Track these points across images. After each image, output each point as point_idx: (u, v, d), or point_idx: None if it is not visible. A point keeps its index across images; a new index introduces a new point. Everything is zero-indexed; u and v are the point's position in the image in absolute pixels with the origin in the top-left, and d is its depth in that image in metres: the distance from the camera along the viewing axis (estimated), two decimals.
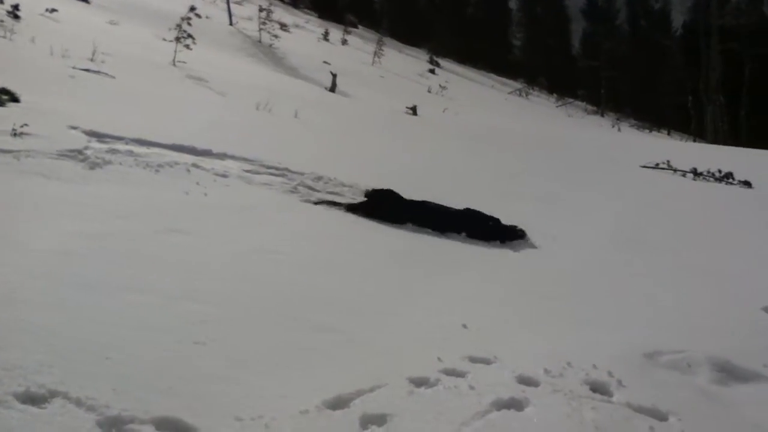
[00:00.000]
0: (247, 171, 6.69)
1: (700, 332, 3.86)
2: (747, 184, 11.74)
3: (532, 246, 6.01)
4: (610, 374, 2.92)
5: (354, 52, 28.79)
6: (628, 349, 3.27)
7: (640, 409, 2.63)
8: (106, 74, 9.50)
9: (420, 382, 2.65)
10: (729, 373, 3.17)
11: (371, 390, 2.51)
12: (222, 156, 7.00)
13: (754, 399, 2.95)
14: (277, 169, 6.98)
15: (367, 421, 2.29)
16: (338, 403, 2.37)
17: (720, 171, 12.07)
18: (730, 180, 11.88)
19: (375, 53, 27.66)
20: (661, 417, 2.60)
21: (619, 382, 2.85)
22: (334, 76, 17.98)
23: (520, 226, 6.29)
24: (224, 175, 6.23)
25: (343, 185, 7.03)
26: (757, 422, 2.70)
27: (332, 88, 17.73)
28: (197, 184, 5.66)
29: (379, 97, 18.82)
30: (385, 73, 25.55)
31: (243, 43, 21.90)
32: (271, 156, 7.28)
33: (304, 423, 2.20)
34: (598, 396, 2.73)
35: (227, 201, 5.40)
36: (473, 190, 8.24)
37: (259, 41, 22.31)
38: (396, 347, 2.99)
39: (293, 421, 2.19)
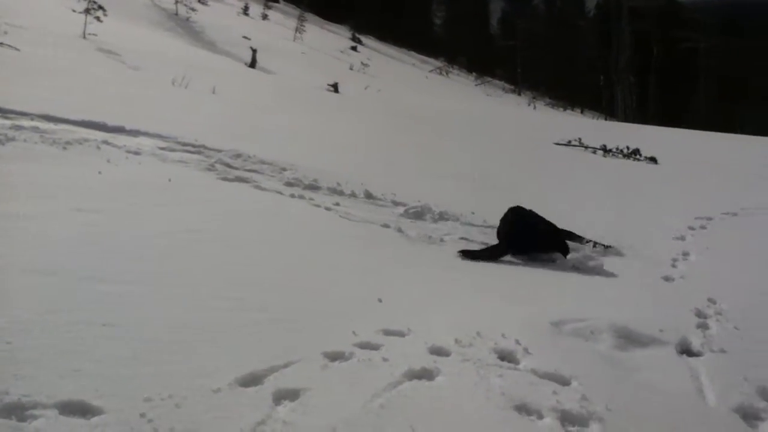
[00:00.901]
0: (162, 148, 6.52)
1: (604, 301, 4.07)
2: (653, 160, 12.36)
3: (456, 220, 6.13)
4: (517, 342, 3.04)
5: (275, 27, 28.29)
6: (535, 319, 3.41)
7: (544, 375, 2.76)
8: (10, 46, 8.99)
9: (335, 357, 2.68)
10: (628, 338, 3.35)
11: (286, 366, 2.52)
12: (135, 133, 6.79)
13: (651, 362, 3.14)
14: (193, 146, 6.83)
15: (280, 396, 2.30)
16: (252, 380, 2.37)
17: (628, 148, 12.66)
18: (638, 156, 12.48)
19: (296, 29, 27.31)
20: (564, 381, 2.73)
21: (526, 350, 2.98)
22: (254, 51, 17.66)
23: (446, 201, 6.42)
24: (137, 153, 6.05)
25: (263, 163, 6.96)
26: (652, 383, 2.88)
27: (252, 64, 17.41)
28: (108, 161, 5.47)
29: (300, 73, 18.64)
30: (306, 50, 25.27)
31: (159, 17, 21.16)
32: (187, 133, 7.11)
33: (216, 401, 2.19)
34: (505, 363, 2.84)
35: (140, 179, 5.25)
36: (394, 167, 8.32)
37: (176, 14, 21.60)
38: (313, 323, 3.01)
39: (205, 400, 2.18)
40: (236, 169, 6.48)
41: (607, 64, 38.27)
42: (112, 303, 2.79)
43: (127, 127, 6.74)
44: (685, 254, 5.74)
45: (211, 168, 6.25)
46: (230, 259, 3.69)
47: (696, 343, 3.44)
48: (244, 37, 21.11)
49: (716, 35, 45.19)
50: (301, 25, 27.59)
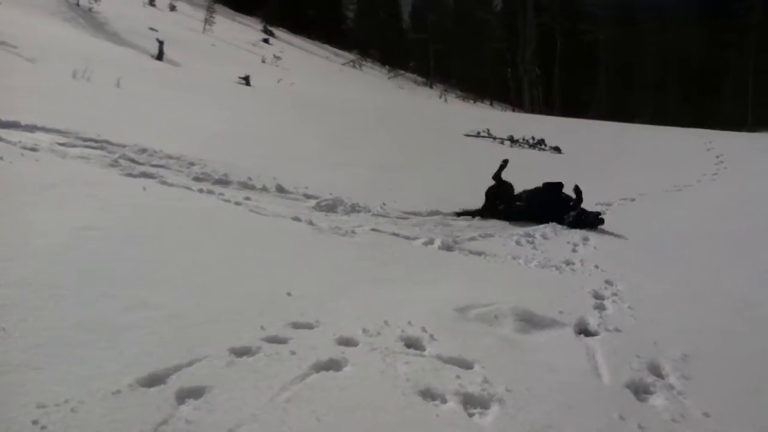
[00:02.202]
0: (61, 144, 6.23)
1: (508, 285, 4.22)
2: (557, 149, 12.85)
3: (368, 211, 6.17)
4: (423, 330, 3.11)
5: (183, 18, 27.46)
6: (441, 305, 3.49)
7: (448, 360, 2.84)
8: None
9: (241, 352, 2.65)
10: (530, 321, 3.49)
11: (190, 364, 2.48)
12: (31, 128, 6.45)
13: (550, 343, 3.28)
14: (95, 141, 6.57)
15: (184, 395, 2.26)
16: (153, 380, 2.32)
17: (534, 138, 13.11)
18: (543, 146, 12.94)
19: (206, 20, 26.62)
20: (467, 365, 2.82)
21: (432, 337, 3.05)
22: (161, 43, 17.09)
23: (358, 193, 6.46)
24: (34, 149, 5.75)
25: (170, 158, 6.78)
26: (551, 363, 3.01)
27: (159, 56, 16.85)
28: (0, 158, 5.18)
29: (210, 66, 18.19)
30: (216, 42, 24.68)
31: (58, 6, 20.10)
32: (89, 127, 6.82)
33: (115, 403, 2.13)
34: (411, 351, 2.90)
35: (36, 176, 4.99)
36: (307, 160, 8.29)
37: (77, 4, 20.58)
38: (219, 319, 2.96)
39: (103, 403, 2.12)
40: (141, 164, 6.28)
41: (514, 57, 39.45)
42: (1, 307, 2.65)
43: (23, 122, 6.39)
44: (585, 239, 6.02)
45: (114, 164, 6.02)
46: (131, 257, 3.57)
47: (593, 323, 3.62)
48: (151, 29, 20.38)
49: (613, 27, 47.64)
50: (211, 17, 26.90)
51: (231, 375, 2.46)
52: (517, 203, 6.69)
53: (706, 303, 4.33)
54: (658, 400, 2.75)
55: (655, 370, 3.05)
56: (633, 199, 8.48)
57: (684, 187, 10.10)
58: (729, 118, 38.88)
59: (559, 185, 6.83)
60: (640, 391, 2.85)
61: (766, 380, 3.08)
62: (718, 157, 14.11)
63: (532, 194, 6.82)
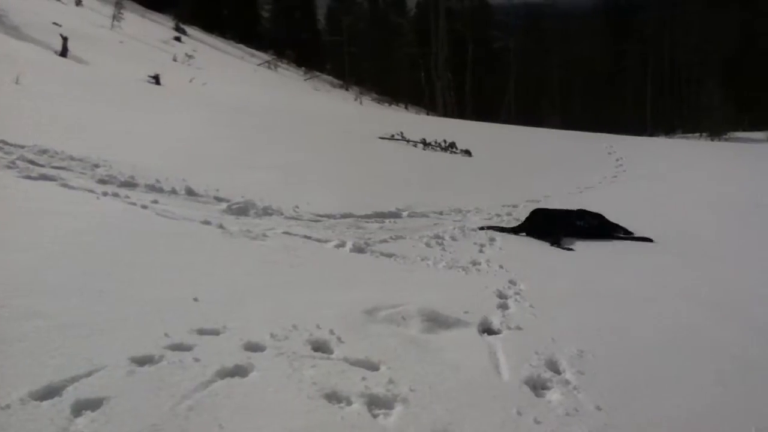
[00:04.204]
0: None
1: (416, 286, 4.30)
2: (468, 152, 13.17)
3: (280, 214, 6.13)
4: (331, 332, 3.13)
5: (90, 13, 26.29)
6: (350, 308, 3.53)
7: (355, 362, 2.87)
8: None
9: (143, 361, 2.59)
10: (435, 321, 3.58)
11: (88, 374, 2.40)
12: None
13: (455, 342, 3.38)
14: None
15: (80, 407, 2.19)
16: (48, 393, 2.23)
17: (445, 141, 13.38)
18: (454, 149, 13.24)
19: (114, 16, 25.56)
20: (373, 367, 2.87)
21: (339, 339, 3.08)
22: (65, 39, 16.31)
23: (272, 196, 6.41)
24: None
25: (73, 159, 6.52)
26: (455, 362, 3.09)
27: (63, 53, 16.08)
28: None
29: (118, 63, 17.49)
30: (125, 39, 23.77)
31: None
32: None
33: (4, 418, 2.04)
34: (319, 354, 2.92)
35: None
36: (219, 162, 8.14)
37: None
38: (121, 327, 2.88)
39: None
40: (41, 166, 6.02)
41: (427, 61, 40.13)
42: None
43: None
44: (492, 239, 6.22)
45: (11, 165, 5.74)
46: (25, 264, 3.41)
47: (496, 322, 3.76)
48: (54, 24, 19.42)
49: (521, 35, 49.48)
50: (119, 13, 25.85)
51: (131, 385, 2.40)
52: (577, 222, 6.89)
53: (604, 301, 4.55)
54: (554, 395, 2.88)
55: (553, 366, 3.19)
56: (538, 201, 8.81)
57: (585, 189, 10.59)
58: (630, 123, 40.98)
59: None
60: (538, 386, 2.97)
61: (657, 373, 3.27)
62: (618, 160, 14.86)
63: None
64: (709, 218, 8.33)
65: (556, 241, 6.34)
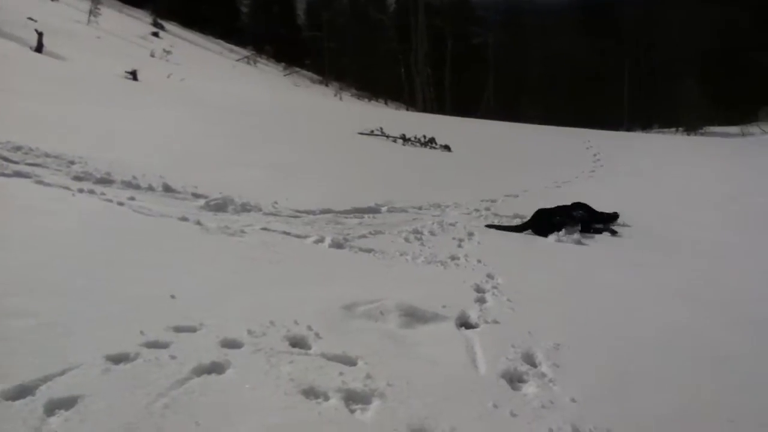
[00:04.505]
0: None
1: (394, 281, 4.32)
2: (447, 148, 13.21)
3: (259, 210, 6.10)
4: (309, 328, 3.13)
5: (65, 8, 25.90)
6: (328, 303, 3.53)
7: (333, 358, 2.88)
8: None
9: (119, 359, 2.57)
10: (413, 316, 3.59)
11: (62, 373, 2.38)
12: None
13: (433, 337, 3.40)
14: None
15: (53, 406, 2.17)
16: (20, 393, 2.20)
17: (425, 137, 13.41)
18: (434, 145, 13.27)
19: (90, 11, 25.18)
20: (351, 362, 2.87)
21: (317, 335, 3.08)
22: (40, 34, 16.07)
23: (251, 192, 6.37)
24: None
25: (48, 156, 6.44)
26: (433, 357, 3.11)
27: (39, 48, 15.85)
28: None
29: (95, 59, 17.27)
30: (102, 34, 23.46)
31: None
32: None
33: None
34: (296, 350, 2.92)
35: None
36: (197, 158, 8.08)
37: None
38: (96, 326, 2.85)
39: None
40: (15, 163, 5.93)
41: (407, 57, 40.13)
42: None
43: None
44: (470, 234, 6.25)
45: None
46: (4, 263, 3.37)
47: (474, 316, 3.78)
48: (29, 19, 19.11)
49: (501, 31, 49.70)
50: (96, 8, 25.48)
51: (106, 383, 2.38)
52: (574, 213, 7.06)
53: (581, 295, 4.61)
54: (530, 388, 2.91)
55: (529, 360, 3.22)
56: (516, 196, 8.87)
57: (563, 184, 10.69)
58: (608, 118, 41.33)
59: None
60: (514, 380, 3.00)
61: (632, 366, 3.32)
62: (595, 155, 15.01)
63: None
64: (686, 212, 8.45)
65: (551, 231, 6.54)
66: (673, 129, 40.20)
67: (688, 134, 36.42)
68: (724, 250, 6.41)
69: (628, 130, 38.86)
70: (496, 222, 7.01)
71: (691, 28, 41.27)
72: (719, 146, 21.17)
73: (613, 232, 6.84)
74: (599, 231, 6.83)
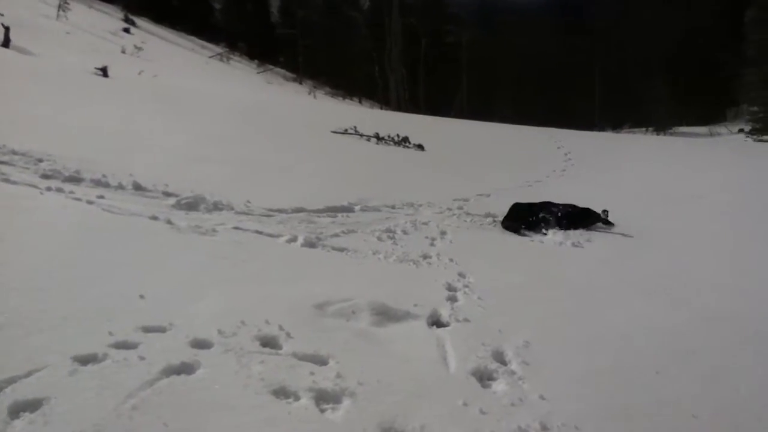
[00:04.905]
0: None
1: (366, 280, 4.33)
2: (420, 147, 13.25)
3: (231, 209, 6.06)
4: (280, 328, 3.13)
5: (33, 2, 25.39)
6: (300, 302, 3.53)
7: (304, 357, 2.88)
8: None
9: (86, 360, 2.55)
10: (386, 315, 3.61)
11: (27, 375, 2.35)
12: None
13: (404, 335, 3.42)
14: None
15: (18, 409, 2.14)
16: None
17: (398, 136, 13.42)
18: (407, 144, 13.29)
19: (60, 5, 24.73)
20: (322, 361, 2.88)
21: (288, 335, 3.08)
22: (7, 29, 15.77)
23: (223, 191, 6.33)
24: None
25: (15, 153, 6.34)
26: (404, 355, 3.13)
27: (5, 43, 15.56)
28: None
29: (64, 55, 17.00)
30: (71, 29, 23.07)
31: None
32: None
33: None
34: (267, 350, 2.91)
35: None
36: (168, 156, 8.00)
37: None
38: (63, 326, 2.82)
39: None
40: None
41: (381, 55, 40.14)
42: None
43: None
44: (443, 233, 6.28)
45: None
46: None
47: (445, 314, 3.81)
48: None
49: (474, 30, 50.08)
50: (65, 2, 25.03)
51: (73, 384, 2.36)
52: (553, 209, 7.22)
53: (551, 292, 4.65)
54: (500, 386, 2.95)
55: (499, 357, 3.26)
56: (488, 195, 8.93)
57: (534, 183, 10.79)
58: (580, 118, 41.86)
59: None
60: (484, 377, 3.03)
61: (600, 363, 3.37)
62: (566, 154, 15.17)
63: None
64: (655, 209, 8.58)
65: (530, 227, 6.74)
66: (644, 129, 40.83)
67: (658, 134, 37.01)
68: (693, 247, 6.52)
69: (600, 129, 39.38)
70: (469, 221, 7.06)
71: (658, 30, 41.99)
72: (687, 146, 21.55)
73: (607, 223, 7.09)
74: (587, 226, 7.01)
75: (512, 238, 6.54)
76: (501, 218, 7.09)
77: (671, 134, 36.39)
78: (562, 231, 6.72)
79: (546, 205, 7.27)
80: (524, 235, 6.73)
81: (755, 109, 31.05)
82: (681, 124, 38.96)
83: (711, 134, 34.01)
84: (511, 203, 7.30)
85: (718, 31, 38.42)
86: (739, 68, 31.17)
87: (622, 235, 6.84)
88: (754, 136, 29.60)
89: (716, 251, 6.28)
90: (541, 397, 2.86)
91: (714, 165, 14.30)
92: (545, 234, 6.68)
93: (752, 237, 6.93)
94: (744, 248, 6.32)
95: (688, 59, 41.79)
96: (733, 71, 32.16)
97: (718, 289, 4.99)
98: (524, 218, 6.98)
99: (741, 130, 32.25)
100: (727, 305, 4.55)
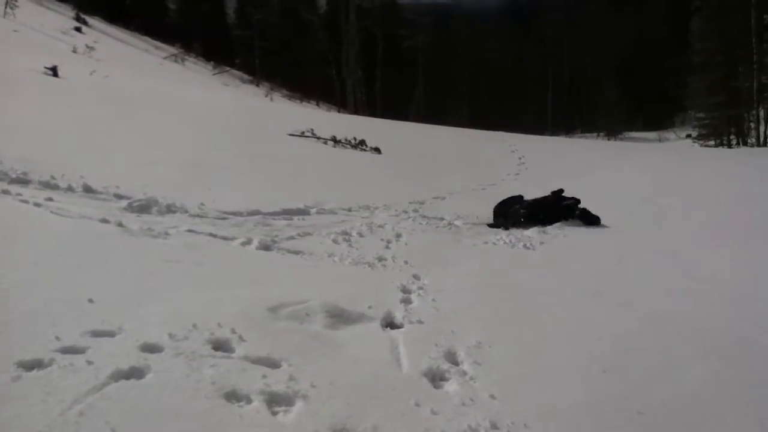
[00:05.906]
0: None
1: (321, 282, 4.33)
2: (377, 150, 13.29)
3: (185, 212, 5.98)
4: (233, 331, 3.11)
5: None
6: (253, 305, 3.51)
7: (256, 360, 2.87)
8: None
9: (31, 365, 2.49)
10: (340, 317, 3.62)
11: None
12: None
13: (358, 337, 3.43)
14: None
15: None
16: None
17: (355, 138, 13.44)
18: (364, 147, 13.32)
19: (7, 3, 24.00)
20: (274, 365, 2.87)
21: (241, 338, 3.06)
22: None
23: (176, 193, 6.25)
24: None
25: None
26: (357, 357, 3.15)
27: None
28: None
29: (12, 54, 16.50)
30: (20, 27, 22.42)
31: None
32: None
33: None
34: (219, 353, 2.89)
35: None
36: (120, 158, 7.86)
37: None
38: (6, 331, 2.75)
39: None
40: None
41: (338, 58, 40.13)
42: None
43: None
44: (398, 235, 6.32)
45: None
46: None
47: (399, 316, 3.84)
48: None
49: (429, 34, 50.60)
50: (14, 0, 24.31)
51: (17, 391, 2.30)
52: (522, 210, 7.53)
53: (504, 294, 4.72)
54: (451, 386, 2.99)
55: (451, 358, 3.30)
56: (443, 198, 9.02)
57: (489, 186, 10.93)
58: (533, 122, 42.61)
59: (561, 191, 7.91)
60: (437, 378, 3.07)
61: (549, 362, 3.44)
62: (520, 158, 15.41)
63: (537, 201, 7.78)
64: (603, 213, 8.77)
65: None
66: (595, 134, 41.75)
67: (609, 139, 37.90)
68: (637, 248, 6.68)
69: (552, 134, 40.11)
70: (424, 224, 7.13)
71: (610, 37, 43.06)
72: (637, 151, 22.11)
73: (587, 217, 7.56)
74: (567, 216, 7.47)
75: (466, 240, 6.61)
76: (455, 220, 7.20)
77: (622, 139, 37.32)
78: (538, 227, 7.13)
79: (518, 199, 7.56)
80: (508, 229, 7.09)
81: (701, 115, 32.10)
82: (631, 130, 39.99)
83: (660, 139, 35.03)
84: (466, 205, 7.43)
85: (667, 39, 39.59)
86: (686, 76, 32.16)
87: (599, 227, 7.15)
88: (700, 142, 30.60)
89: (662, 253, 6.46)
90: (492, 397, 2.91)
91: (663, 169, 14.70)
92: (525, 231, 6.98)
93: (698, 239, 7.15)
94: (690, 250, 6.51)
95: (638, 66, 42.95)
96: (680, 79, 33.17)
97: (662, 290, 5.13)
98: (503, 214, 7.40)
99: (688, 136, 33.31)
100: (671, 306, 4.69)
